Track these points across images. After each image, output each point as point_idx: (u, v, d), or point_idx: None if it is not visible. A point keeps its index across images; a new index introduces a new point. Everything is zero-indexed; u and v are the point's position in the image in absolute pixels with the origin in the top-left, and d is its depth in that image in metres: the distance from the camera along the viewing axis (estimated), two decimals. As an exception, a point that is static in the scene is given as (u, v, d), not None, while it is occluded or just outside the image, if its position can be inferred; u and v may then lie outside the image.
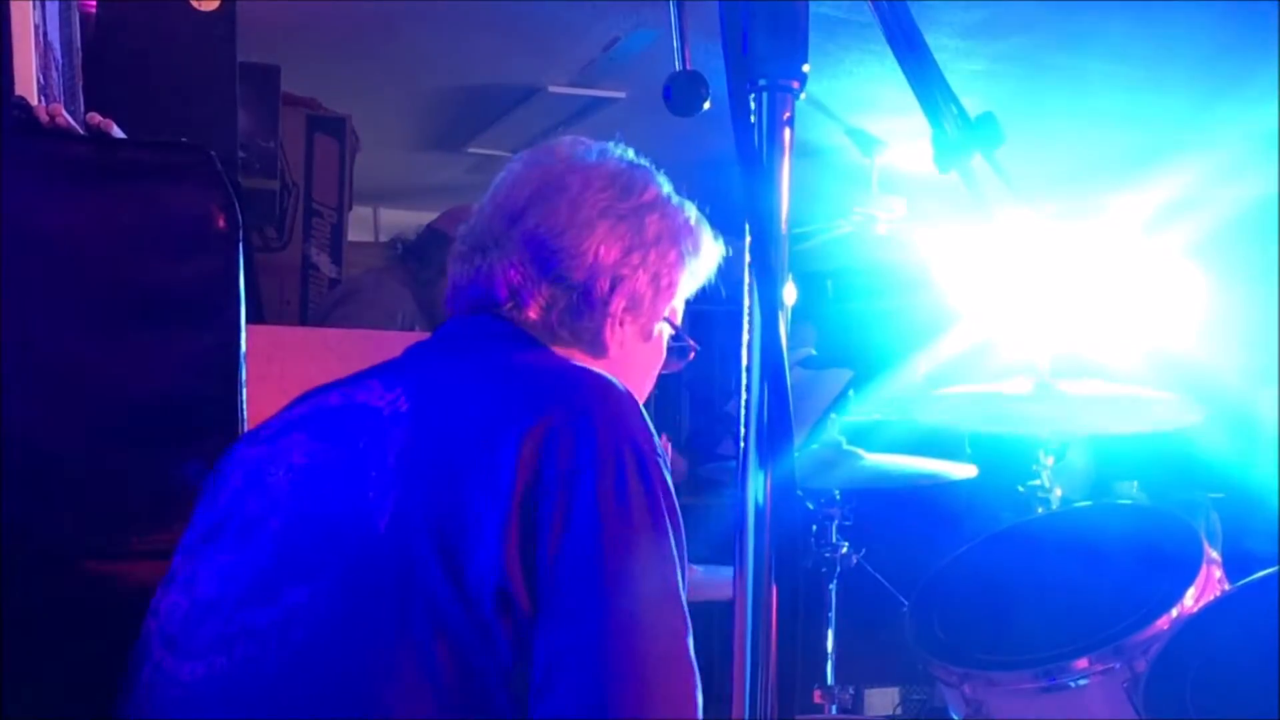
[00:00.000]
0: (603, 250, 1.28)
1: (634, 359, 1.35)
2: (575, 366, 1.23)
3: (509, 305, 1.29)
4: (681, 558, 1.11)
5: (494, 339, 1.28)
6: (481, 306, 1.31)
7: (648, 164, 1.38)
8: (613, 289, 1.29)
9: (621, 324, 1.31)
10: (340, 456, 1.17)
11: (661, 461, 1.13)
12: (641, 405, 1.37)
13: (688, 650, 1.07)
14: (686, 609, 1.09)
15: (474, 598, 1.05)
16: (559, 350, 1.30)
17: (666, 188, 1.36)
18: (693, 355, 1.44)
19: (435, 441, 1.13)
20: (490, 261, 1.30)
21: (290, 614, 1.08)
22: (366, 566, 1.08)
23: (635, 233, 1.29)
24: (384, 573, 1.07)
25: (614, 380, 1.17)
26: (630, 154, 1.37)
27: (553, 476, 1.07)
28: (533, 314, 1.29)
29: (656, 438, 1.15)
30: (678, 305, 1.39)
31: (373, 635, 1.05)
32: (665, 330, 1.38)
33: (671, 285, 1.34)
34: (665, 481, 1.11)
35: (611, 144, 1.37)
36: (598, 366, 1.28)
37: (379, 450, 1.14)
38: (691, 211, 1.37)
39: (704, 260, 1.39)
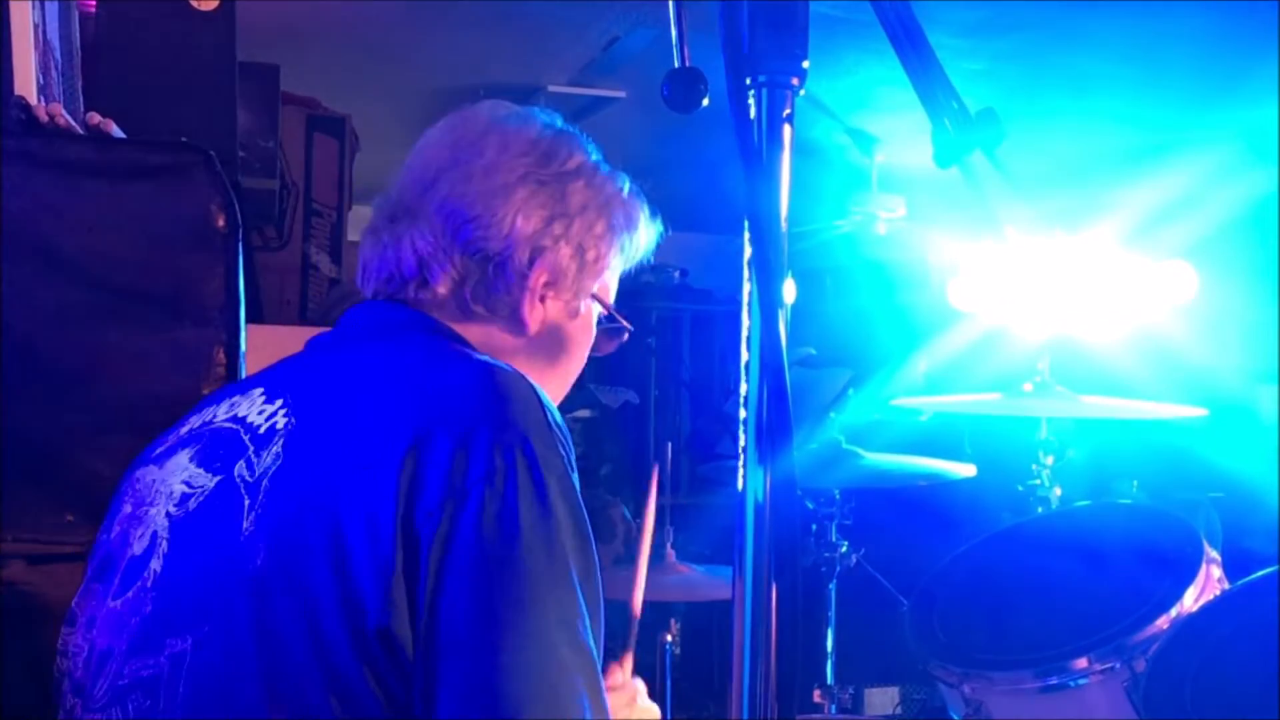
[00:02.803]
0: (520, 219, 1.16)
1: (558, 338, 1.24)
2: (467, 364, 1.09)
3: (416, 282, 1.18)
4: (588, 573, 1.01)
5: (392, 331, 1.18)
6: (388, 285, 1.20)
7: (575, 130, 1.26)
8: (532, 261, 1.17)
9: (543, 300, 1.20)
10: (216, 485, 1.07)
11: (563, 463, 1.01)
12: (560, 391, 1.27)
13: (586, 706, 0.97)
14: (591, 643, 1.00)
15: (362, 641, 0.95)
16: (475, 328, 1.19)
17: (595, 156, 1.24)
18: (626, 336, 1.33)
19: (311, 467, 1.02)
20: (399, 233, 1.19)
21: (175, 664, 1.01)
22: (245, 610, 0.99)
23: (557, 201, 1.19)
24: (263, 616, 0.98)
25: (509, 375, 1.05)
26: (559, 120, 1.25)
27: (434, 503, 0.96)
28: (442, 289, 1.17)
29: (559, 432, 1.03)
30: (609, 282, 1.28)
31: (259, 685, 0.97)
32: (595, 309, 1.27)
33: (599, 260, 1.22)
34: (566, 491, 1.00)
35: (538, 109, 1.25)
36: (518, 345, 1.20)
37: (253, 477, 1.04)
38: (624, 183, 1.26)
39: (639, 236, 1.27)
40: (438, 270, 1.17)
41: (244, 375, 1.63)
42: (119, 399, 1.61)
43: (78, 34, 2.17)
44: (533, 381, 1.06)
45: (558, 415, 1.05)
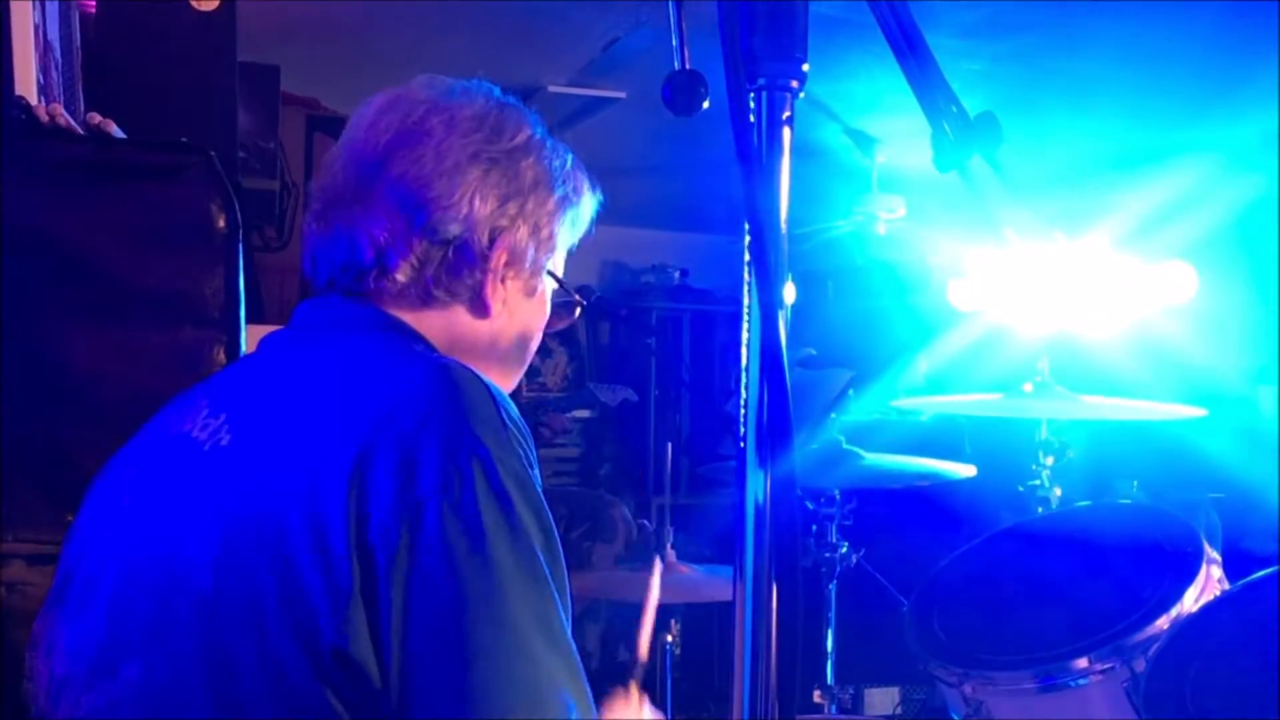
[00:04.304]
0: (477, 200, 1.14)
1: (518, 318, 1.22)
2: (414, 366, 1.05)
3: (375, 271, 1.14)
4: (556, 568, 0.98)
5: (342, 330, 1.14)
6: (344, 275, 1.16)
7: (516, 102, 1.22)
8: (492, 242, 1.15)
9: (504, 281, 1.18)
10: (161, 505, 1.05)
11: (521, 462, 0.98)
12: (518, 372, 1.26)
13: (570, 703, 0.95)
14: (569, 638, 0.97)
15: (318, 662, 0.92)
16: (436, 315, 1.16)
17: (540, 129, 1.22)
18: (579, 311, 1.32)
19: (256, 486, 0.98)
20: (352, 218, 1.14)
21: (128, 691, 0.99)
22: (194, 634, 0.96)
23: (510, 179, 1.16)
24: (212, 640, 0.96)
25: (458, 375, 1.01)
26: (497, 91, 1.22)
27: (388, 520, 0.92)
28: (402, 276, 1.14)
29: (514, 429, 1.00)
30: (560, 257, 1.26)
31: (209, 710, 0.95)
32: (549, 285, 1.25)
33: (552, 236, 1.21)
34: (526, 491, 0.97)
35: (476, 81, 1.22)
36: (480, 328, 1.18)
37: (197, 498, 1.02)
38: (567, 155, 1.24)
39: (584, 207, 1.26)
40: (396, 257, 1.13)
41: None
42: (119, 399, 1.60)
43: (78, 34, 2.17)
44: (485, 378, 1.03)
45: (513, 409, 1.03)
